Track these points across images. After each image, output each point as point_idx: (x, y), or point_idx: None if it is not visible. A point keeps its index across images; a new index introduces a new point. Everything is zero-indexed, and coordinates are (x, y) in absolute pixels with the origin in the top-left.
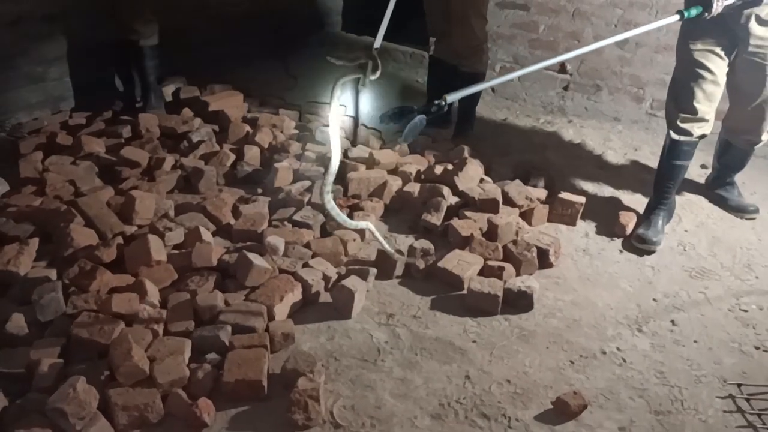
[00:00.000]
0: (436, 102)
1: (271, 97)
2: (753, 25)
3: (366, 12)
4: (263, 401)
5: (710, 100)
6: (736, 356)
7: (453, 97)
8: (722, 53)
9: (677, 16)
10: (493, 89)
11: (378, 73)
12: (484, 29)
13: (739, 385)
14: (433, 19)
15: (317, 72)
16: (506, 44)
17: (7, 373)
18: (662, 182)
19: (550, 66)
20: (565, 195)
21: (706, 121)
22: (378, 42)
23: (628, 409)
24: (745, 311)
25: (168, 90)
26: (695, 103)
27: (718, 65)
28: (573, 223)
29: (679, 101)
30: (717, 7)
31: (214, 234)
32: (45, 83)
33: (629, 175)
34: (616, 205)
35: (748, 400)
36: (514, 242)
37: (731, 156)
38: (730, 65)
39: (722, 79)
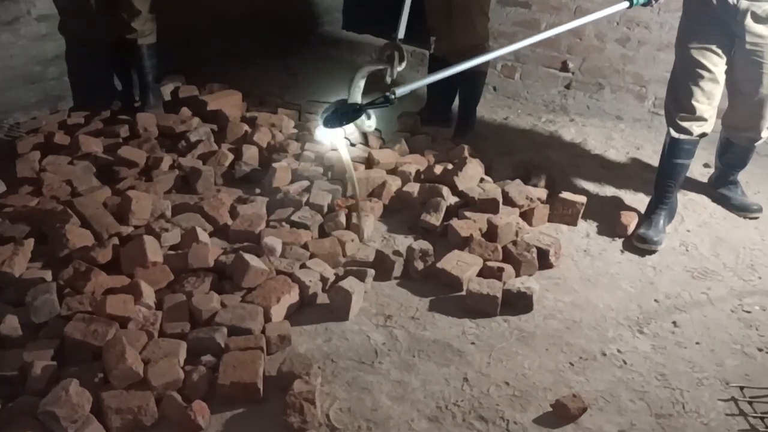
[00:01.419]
0: (386, 95)
1: (270, 96)
2: (749, 22)
3: (366, 10)
4: (259, 404)
5: (709, 98)
6: (739, 358)
7: (402, 91)
8: (720, 51)
9: (627, 3)
10: (495, 88)
11: (404, 64)
12: (486, 27)
13: (741, 388)
14: (434, 18)
15: (317, 71)
16: (507, 42)
17: (0, 376)
18: (663, 181)
19: (551, 64)
20: (566, 195)
21: (706, 120)
22: (401, 32)
23: (629, 412)
24: (748, 312)
25: (166, 89)
26: (694, 102)
27: (716, 63)
28: (574, 223)
29: (678, 100)
30: None
31: (211, 234)
32: (43, 83)
33: (631, 174)
34: (618, 204)
35: (750, 403)
36: (514, 243)
37: (732, 154)
38: (728, 63)
39: (721, 78)
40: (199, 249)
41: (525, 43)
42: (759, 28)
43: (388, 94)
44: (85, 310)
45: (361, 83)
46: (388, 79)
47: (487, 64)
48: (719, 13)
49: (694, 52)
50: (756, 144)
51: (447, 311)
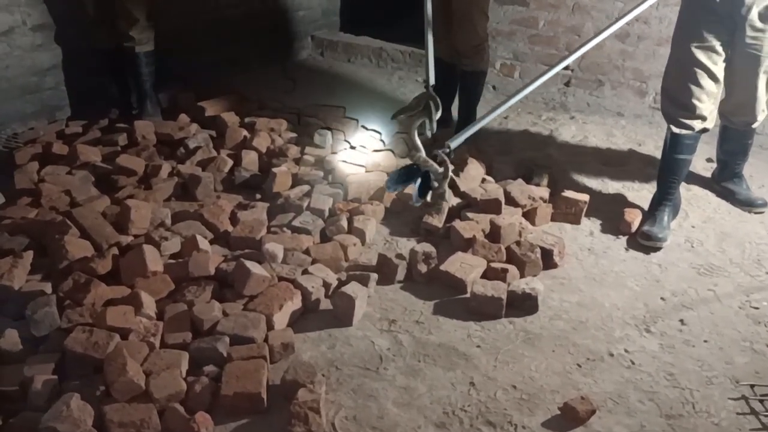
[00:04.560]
0: (439, 151)
1: (269, 101)
2: (752, 16)
3: (364, 12)
4: (263, 414)
5: (709, 96)
6: (748, 355)
7: (456, 143)
8: (720, 49)
9: None
10: (494, 87)
11: (440, 112)
12: (486, 28)
13: (752, 386)
14: (433, 19)
15: (315, 74)
16: (506, 41)
17: (0, 392)
18: (666, 177)
19: (551, 62)
20: (568, 193)
21: (706, 117)
22: (432, 79)
23: (638, 413)
24: (756, 308)
25: (164, 96)
26: (694, 101)
27: (716, 61)
28: (577, 222)
29: (677, 99)
30: None
31: (211, 242)
32: (40, 93)
33: (634, 170)
34: (621, 202)
35: (761, 401)
36: (518, 243)
37: (731, 142)
38: (726, 59)
39: (721, 75)
40: (200, 257)
41: (573, 56)
42: (761, 24)
43: (444, 149)
44: (86, 322)
45: (418, 140)
46: (429, 133)
47: (487, 63)
48: (723, 6)
49: (695, 51)
50: (753, 126)
51: (451, 314)
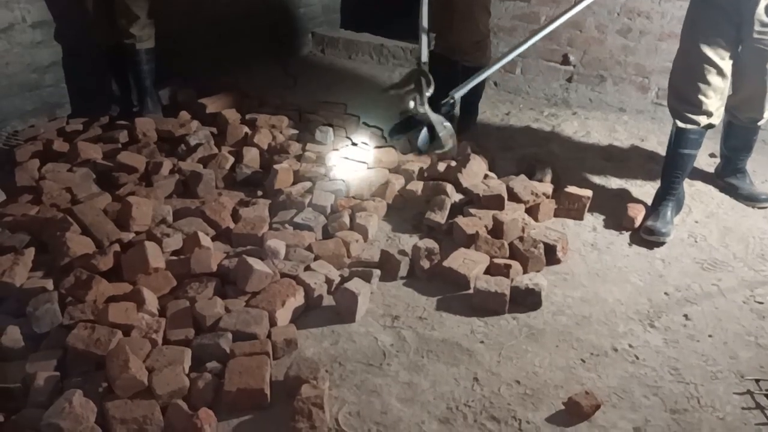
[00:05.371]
0: (443, 102)
1: (269, 98)
2: (759, 11)
3: (364, 9)
4: (266, 410)
5: (716, 92)
6: (753, 350)
7: (460, 93)
8: (728, 45)
9: None
10: (495, 83)
11: (431, 89)
12: (487, 23)
13: (757, 381)
14: (434, 14)
15: (316, 71)
16: (507, 37)
17: (2, 388)
18: (670, 172)
19: (552, 58)
20: (571, 189)
21: (713, 113)
22: (424, 56)
23: (643, 408)
24: (761, 303)
25: (165, 93)
26: (701, 96)
27: (723, 57)
28: (580, 218)
29: (683, 95)
30: None
31: (213, 239)
32: (40, 90)
33: (636, 166)
34: (624, 197)
35: (767, 395)
36: (521, 239)
37: (736, 138)
38: (733, 56)
39: (729, 71)
40: (202, 254)
41: (538, 36)
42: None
43: (447, 99)
44: (88, 318)
45: (412, 103)
46: (420, 109)
47: (488, 59)
48: (729, 1)
49: (703, 46)
50: (759, 124)
51: (455, 310)
